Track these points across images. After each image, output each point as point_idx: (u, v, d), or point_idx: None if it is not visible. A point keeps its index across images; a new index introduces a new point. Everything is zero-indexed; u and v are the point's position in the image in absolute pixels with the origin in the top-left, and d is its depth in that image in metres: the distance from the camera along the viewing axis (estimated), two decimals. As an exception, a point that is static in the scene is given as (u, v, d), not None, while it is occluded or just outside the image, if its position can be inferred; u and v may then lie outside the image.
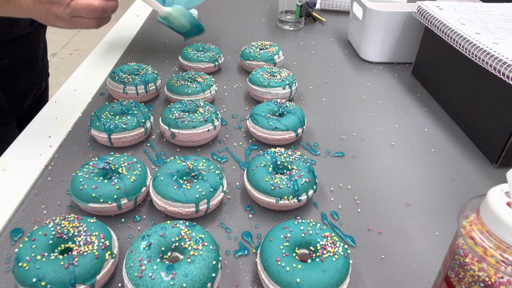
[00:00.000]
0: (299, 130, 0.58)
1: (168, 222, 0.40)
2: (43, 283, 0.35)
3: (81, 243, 0.38)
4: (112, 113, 0.57)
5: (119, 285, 0.40)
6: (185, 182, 0.46)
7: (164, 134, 0.58)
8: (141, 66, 0.70)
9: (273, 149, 0.52)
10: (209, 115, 0.57)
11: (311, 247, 0.39)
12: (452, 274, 0.32)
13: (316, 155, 0.59)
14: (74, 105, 0.67)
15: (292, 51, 0.90)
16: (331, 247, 0.38)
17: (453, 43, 0.63)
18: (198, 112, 0.58)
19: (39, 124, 0.62)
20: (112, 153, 0.51)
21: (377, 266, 0.43)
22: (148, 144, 0.59)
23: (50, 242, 0.38)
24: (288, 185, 0.46)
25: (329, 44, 0.94)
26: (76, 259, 0.36)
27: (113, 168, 0.48)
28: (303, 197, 0.47)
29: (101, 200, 0.44)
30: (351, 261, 0.40)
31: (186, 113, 0.57)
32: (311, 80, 0.78)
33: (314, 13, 1.06)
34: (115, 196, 0.45)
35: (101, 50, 0.87)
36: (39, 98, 0.86)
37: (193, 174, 0.48)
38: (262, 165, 0.49)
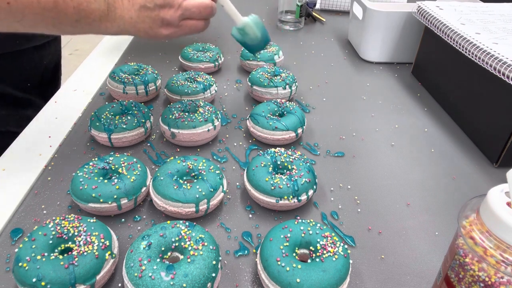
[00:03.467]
0: (299, 130, 0.58)
1: (168, 222, 0.40)
2: (43, 283, 0.35)
3: (81, 243, 0.38)
4: (112, 113, 0.57)
5: (119, 285, 0.40)
6: (185, 182, 0.46)
7: (164, 134, 0.58)
8: (141, 66, 0.70)
9: (273, 149, 0.52)
10: (209, 115, 0.57)
11: (311, 247, 0.39)
12: (452, 274, 0.32)
13: (316, 155, 0.59)
14: (74, 105, 0.67)
15: (292, 51, 0.90)
16: (331, 247, 0.38)
17: (453, 43, 0.63)
18: (198, 112, 0.58)
19: (39, 124, 0.62)
20: (112, 153, 0.51)
21: (377, 266, 0.43)
22: (148, 144, 0.59)
23: (50, 242, 0.38)
24: (288, 185, 0.46)
25: (329, 44, 0.94)
26: (76, 259, 0.36)
27: (113, 168, 0.48)
28: (303, 197, 0.47)
29: (101, 200, 0.44)
30: (351, 261, 0.40)
31: (186, 113, 0.57)
32: (311, 80, 0.78)
33: (314, 13, 1.06)
34: (115, 196, 0.45)
35: (101, 50, 0.87)
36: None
37: (193, 174, 0.48)
38: (262, 165, 0.49)
